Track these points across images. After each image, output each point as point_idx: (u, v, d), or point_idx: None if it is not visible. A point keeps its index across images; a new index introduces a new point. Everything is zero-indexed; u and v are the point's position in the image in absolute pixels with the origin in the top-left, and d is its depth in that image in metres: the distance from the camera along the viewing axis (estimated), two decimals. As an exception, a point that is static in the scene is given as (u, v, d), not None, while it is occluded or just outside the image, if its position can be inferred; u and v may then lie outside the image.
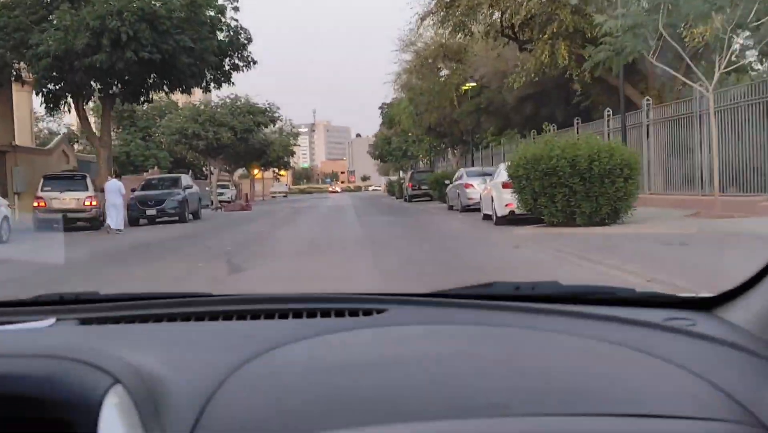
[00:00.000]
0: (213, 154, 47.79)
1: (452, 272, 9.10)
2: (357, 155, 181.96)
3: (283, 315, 1.44)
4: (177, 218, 24.91)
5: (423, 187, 39.02)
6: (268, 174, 78.76)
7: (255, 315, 1.45)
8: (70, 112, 29.92)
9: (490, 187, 17.60)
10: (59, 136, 39.49)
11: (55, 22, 23.20)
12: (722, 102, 15.58)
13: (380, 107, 66.87)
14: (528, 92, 30.12)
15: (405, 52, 38.56)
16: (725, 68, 13.77)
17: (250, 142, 48.88)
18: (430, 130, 43.45)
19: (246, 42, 28.38)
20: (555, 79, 26.48)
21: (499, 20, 23.92)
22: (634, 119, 19.70)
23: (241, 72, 28.85)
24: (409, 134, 56.15)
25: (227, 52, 27.97)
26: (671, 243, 10.58)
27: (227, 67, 28.53)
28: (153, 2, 24.04)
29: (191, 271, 10.48)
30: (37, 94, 26.47)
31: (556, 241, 12.22)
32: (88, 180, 22.90)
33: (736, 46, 14.42)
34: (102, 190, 21.90)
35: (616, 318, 1.34)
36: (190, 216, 26.14)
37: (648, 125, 18.93)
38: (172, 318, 1.44)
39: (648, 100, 18.95)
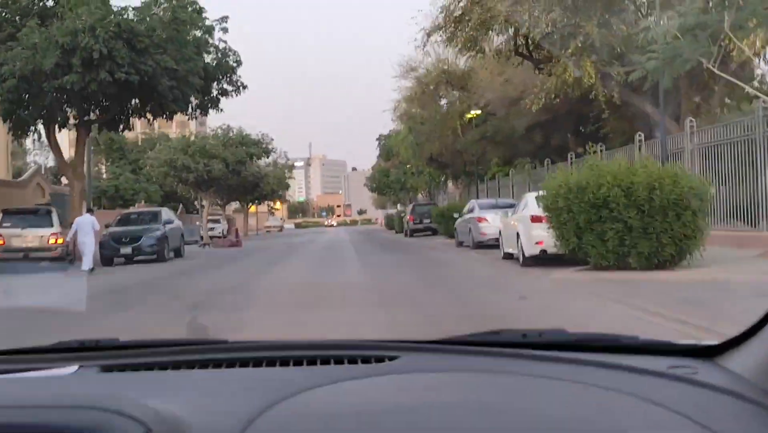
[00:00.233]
0: (204, 187, 45.54)
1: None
2: (353, 189, 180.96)
3: (298, 362, 1.48)
4: (155, 257, 22.19)
5: (425, 221, 37.36)
6: (263, 208, 76.68)
7: (270, 362, 1.49)
8: (40, 140, 27.48)
9: (515, 221, 15.06)
10: (33, 168, 36.86)
11: (23, 39, 20.91)
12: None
13: (378, 138, 65.37)
14: (538, 119, 28.05)
15: (405, 79, 36.54)
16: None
17: (243, 174, 46.59)
18: (431, 160, 41.72)
19: (235, 65, 26.48)
20: (567, 104, 24.37)
21: (513, 37, 21.69)
22: (672, 143, 17.29)
23: (230, 97, 26.84)
24: (408, 165, 54.21)
25: (215, 75, 26.06)
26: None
27: (215, 93, 26.54)
28: (131, 18, 21.87)
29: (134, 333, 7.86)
30: (4, 121, 23.97)
31: (616, 290, 9.66)
32: (54, 215, 20.31)
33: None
34: (70, 226, 19.31)
35: (620, 366, 1.36)
36: (171, 254, 23.38)
37: (692, 150, 16.45)
38: (190, 365, 1.48)
39: (692, 121, 16.51)
